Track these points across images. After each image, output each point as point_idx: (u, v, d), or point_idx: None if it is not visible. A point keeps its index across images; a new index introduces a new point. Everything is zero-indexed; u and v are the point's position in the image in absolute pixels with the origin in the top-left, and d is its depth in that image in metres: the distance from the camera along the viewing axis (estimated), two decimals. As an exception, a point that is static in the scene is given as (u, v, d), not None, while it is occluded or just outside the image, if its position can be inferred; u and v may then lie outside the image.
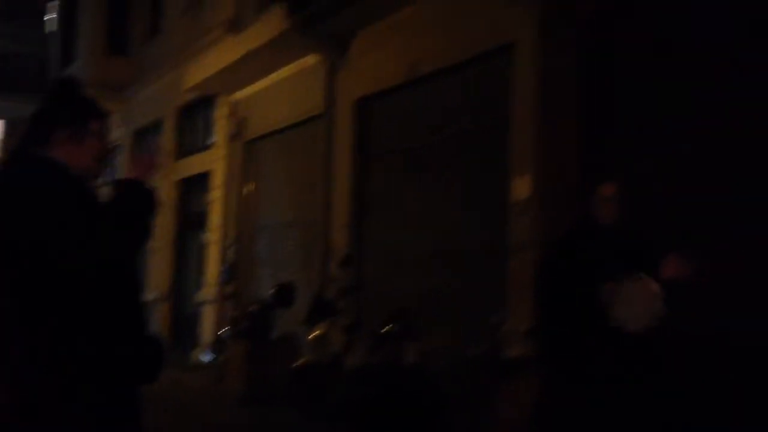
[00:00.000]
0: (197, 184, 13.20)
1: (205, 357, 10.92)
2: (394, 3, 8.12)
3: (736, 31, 5.34)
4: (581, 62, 6.41)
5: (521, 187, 6.54)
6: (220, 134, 12.40)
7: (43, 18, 20.93)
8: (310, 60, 9.86)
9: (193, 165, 13.40)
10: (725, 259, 4.91)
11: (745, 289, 5.00)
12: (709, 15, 5.48)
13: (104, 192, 2.55)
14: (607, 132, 6.20)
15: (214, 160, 12.47)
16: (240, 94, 11.71)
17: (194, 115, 13.67)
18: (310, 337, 8.01)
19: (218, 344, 10.29)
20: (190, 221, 13.50)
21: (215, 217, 12.31)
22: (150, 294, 12.90)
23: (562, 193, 6.05)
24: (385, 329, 6.63)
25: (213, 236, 12.33)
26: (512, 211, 6.61)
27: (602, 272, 3.62)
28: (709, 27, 5.49)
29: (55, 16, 19.42)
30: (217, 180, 12.32)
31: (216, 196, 12.34)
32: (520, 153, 6.65)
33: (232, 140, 11.93)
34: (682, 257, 3.72)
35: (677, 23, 5.74)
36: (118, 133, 15.26)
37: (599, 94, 6.31)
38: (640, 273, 3.59)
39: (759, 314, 4.92)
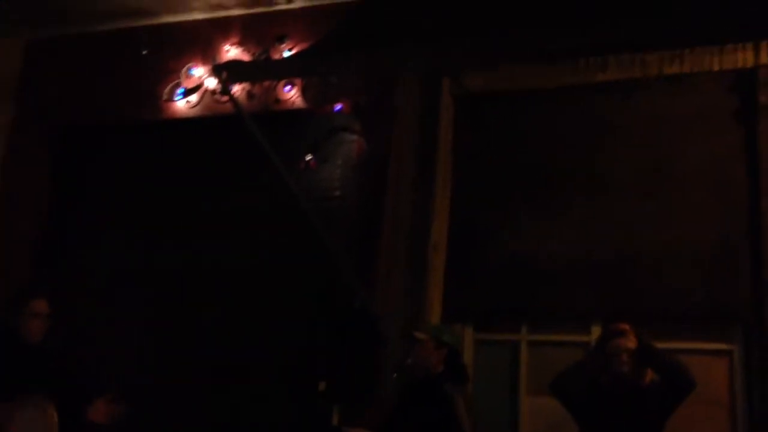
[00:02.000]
0: None
1: None
2: None
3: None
4: (52, 175, 6.40)
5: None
6: None
7: None
8: None
9: None
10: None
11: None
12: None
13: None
14: (61, 248, 6.20)
15: None
16: None
17: None
18: None
19: None
20: None
21: None
22: None
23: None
24: None
25: None
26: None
27: (7, 390, 3.41)
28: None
29: None
30: None
31: None
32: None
33: None
34: (110, 401, 3.70)
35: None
36: None
37: (65, 205, 6.34)
38: (40, 396, 3.41)
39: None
